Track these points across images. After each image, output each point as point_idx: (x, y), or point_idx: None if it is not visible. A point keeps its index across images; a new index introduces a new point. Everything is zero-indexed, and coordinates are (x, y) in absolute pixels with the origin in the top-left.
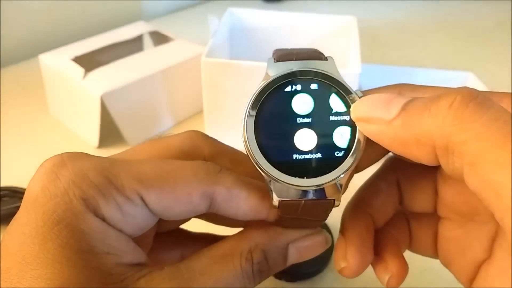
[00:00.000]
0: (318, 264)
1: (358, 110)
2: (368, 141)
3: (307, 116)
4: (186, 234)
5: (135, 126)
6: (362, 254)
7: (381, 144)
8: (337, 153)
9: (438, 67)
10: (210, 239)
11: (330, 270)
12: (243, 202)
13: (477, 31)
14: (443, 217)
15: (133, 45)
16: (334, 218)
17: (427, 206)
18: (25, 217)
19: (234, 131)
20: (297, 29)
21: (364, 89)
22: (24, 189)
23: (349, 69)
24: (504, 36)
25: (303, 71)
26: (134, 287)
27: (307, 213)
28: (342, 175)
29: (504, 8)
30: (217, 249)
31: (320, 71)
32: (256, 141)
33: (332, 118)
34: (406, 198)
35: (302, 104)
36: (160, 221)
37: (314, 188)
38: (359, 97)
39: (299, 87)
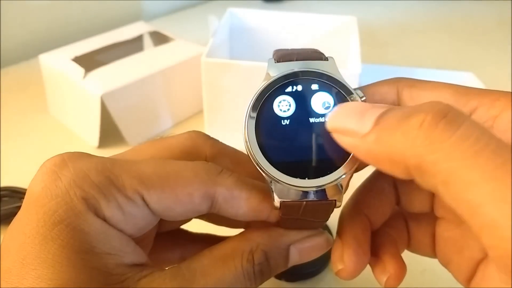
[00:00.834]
0: (318, 264)
1: (332, 120)
2: None
3: (306, 116)
4: (186, 235)
5: (135, 126)
6: (359, 256)
7: (356, 156)
8: (338, 154)
9: (438, 67)
10: (210, 240)
11: (330, 270)
12: (244, 203)
13: (477, 31)
14: (441, 217)
15: (133, 45)
16: (336, 218)
17: (424, 206)
18: (26, 217)
19: (234, 131)
20: (297, 29)
21: (361, 86)
22: (24, 189)
23: (349, 69)
24: (504, 36)
25: (304, 72)
26: (135, 287)
27: (308, 214)
28: (343, 176)
29: (504, 8)
30: (218, 249)
31: (321, 71)
32: (257, 142)
33: None
34: (403, 199)
35: (304, 105)
36: (161, 222)
37: (315, 189)
38: (360, 97)
39: (300, 87)
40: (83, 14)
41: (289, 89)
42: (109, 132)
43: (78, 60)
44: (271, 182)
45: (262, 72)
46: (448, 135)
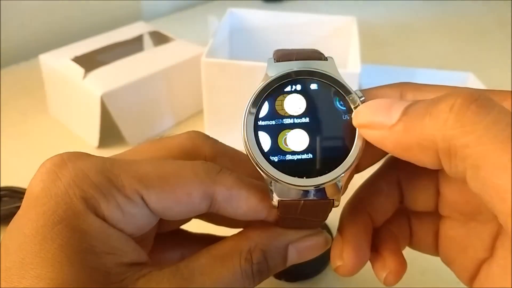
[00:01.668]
0: (318, 264)
1: (359, 116)
2: (367, 142)
3: (306, 116)
4: (186, 235)
5: (135, 126)
6: (358, 253)
7: (384, 149)
8: (337, 153)
9: (438, 67)
10: (211, 240)
11: (330, 270)
12: (243, 202)
13: (477, 31)
14: (445, 216)
15: (133, 45)
16: (336, 217)
17: (429, 205)
18: (26, 217)
19: (234, 131)
20: (297, 29)
21: (364, 89)
22: (24, 189)
23: (349, 69)
24: (504, 36)
25: (303, 71)
26: (134, 287)
27: (306, 213)
28: (341, 175)
29: (504, 8)
30: (217, 249)
31: (320, 71)
32: (256, 141)
33: (331, 118)
34: (407, 197)
35: (302, 104)
36: (161, 221)
37: (313, 188)
38: (359, 97)
39: (299, 87)
40: (83, 14)
41: (288, 88)
42: (109, 132)
43: (78, 60)
44: (269, 181)
45: (262, 72)
46: (480, 118)
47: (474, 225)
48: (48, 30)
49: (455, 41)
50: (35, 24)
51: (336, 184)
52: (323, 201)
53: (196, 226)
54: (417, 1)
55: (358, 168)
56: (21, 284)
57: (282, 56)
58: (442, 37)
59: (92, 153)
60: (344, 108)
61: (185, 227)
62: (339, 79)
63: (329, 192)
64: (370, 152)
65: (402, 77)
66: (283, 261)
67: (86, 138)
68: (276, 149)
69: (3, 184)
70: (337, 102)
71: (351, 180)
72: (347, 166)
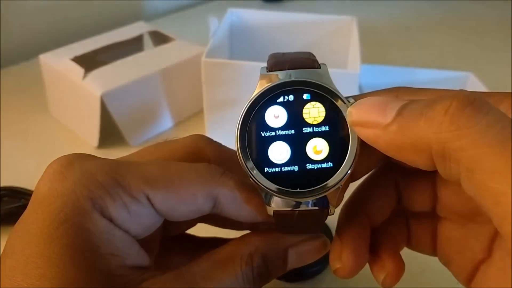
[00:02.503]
0: (319, 264)
1: (354, 114)
2: (362, 150)
3: (299, 127)
4: (194, 239)
5: (135, 126)
6: (357, 255)
7: (377, 148)
8: (330, 164)
9: (438, 67)
10: (217, 243)
11: (331, 271)
12: (245, 204)
13: (477, 31)
14: (443, 217)
15: (133, 45)
16: (336, 218)
17: (426, 206)
18: (32, 216)
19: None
20: (297, 29)
21: (364, 89)
22: (24, 189)
23: (349, 69)
24: (504, 36)
25: (295, 81)
26: None
27: (301, 223)
28: (335, 186)
29: (504, 8)
30: (218, 253)
31: (312, 81)
32: (249, 153)
33: (325, 128)
34: (404, 198)
35: (295, 115)
36: (167, 225)
37: (306, 199)
38: (351, 104)
39: (291, 97)
40: (83, 14)
41: (280, 99)
42: (109, 132)
43: (78, 60)
44: (264, 192)
45: None
46: (475, 122)
47: (472, 226)
48: (48, 30)
49: (455, 41)
50: (35, 24)
51: (330, 194)
52: (317, 210)
53: (204, 230)
54: (417, 1)
55: (353, 177)
56: (25, 283)
57: (274, 64)
58: (442, 37)
59: (92, 153)
60: (337, 119)
61: (192, 232)
62: (331, 89)
63: (324, 202)
64: (364, 161)
65: (402, 77)
66: (283, 264)
67: (86, 138)
68: (268, 160)
69: (3, 184)
70: (330, 113)
71: (346, 189)
72: (340, 177)
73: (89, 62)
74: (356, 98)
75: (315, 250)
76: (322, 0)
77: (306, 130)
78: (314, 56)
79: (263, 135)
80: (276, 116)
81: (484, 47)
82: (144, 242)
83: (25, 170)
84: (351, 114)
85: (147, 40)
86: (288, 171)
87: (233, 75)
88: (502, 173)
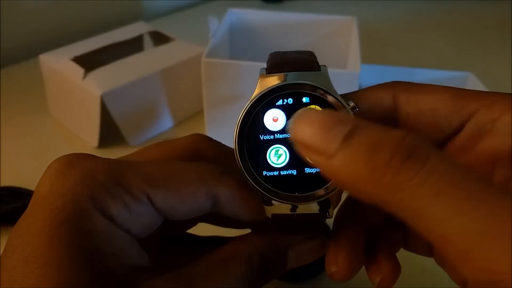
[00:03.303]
0: (319, 264)
1: (295, 131)
2: None
3: None
4: (195, 239)
5: (135, 126)
6: (353, 258)
7: (323, 173)
8: None
9: (438, 67)
10: (219, 242)
11: None
12: (244, 203)
13: (477, 31)
14: None
15: (133, 45)
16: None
17: None
18: (32, 216)
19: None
20: (297, 29)
21: (357, 90)
22: (25, 189)
23: (349, 69)
24: (504, 36)
25: (294, 84)
26: None
27: (299, 226)
28: (333, 191)
29: (504, 8)
30: (218, 253)
31: (311, 84)
32: (247, 156)
33: None
34: None
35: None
36: (167, 225)
37: (304, 204)
38: (351, 109)
39: (290, 100)
40: (83, 14)
41: (279, 102)
42: (109, 132)
43: (78, 60)
44: (261, 195)
45: None
46: (412, 174)
47: None
48: (48, 30)
49: (455, 41)
50: (35, 24)
51: (328, 198)
52: (315, 214)
53: (205, 230)
54: (417, 1)
55: None
56: (25, 283)
57: (274, 66)
58: (442, 37)
59: (92, 153)
60: None
61: (193, 231)
62: (330, 92)
63: (322, 205)
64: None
65: (402, 77)
66: (283, 265)
67: (86, 138)
68: (266, 164)
69: (3, 184)
70: None
71: (343, 192)
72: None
73: (89, 62)
74: (352, 95)
75: (315, 250)
76: (322, 0)
77: None
78: (315, 57)
79: (261, 138)
80: (274, 119)
81: (484, 47)
82: (144, 242)
83: (25, 170)
84: (293, 129)
85: (147, 40)
86: (286, 175)
87: (233, 75)
88: (445, 219)
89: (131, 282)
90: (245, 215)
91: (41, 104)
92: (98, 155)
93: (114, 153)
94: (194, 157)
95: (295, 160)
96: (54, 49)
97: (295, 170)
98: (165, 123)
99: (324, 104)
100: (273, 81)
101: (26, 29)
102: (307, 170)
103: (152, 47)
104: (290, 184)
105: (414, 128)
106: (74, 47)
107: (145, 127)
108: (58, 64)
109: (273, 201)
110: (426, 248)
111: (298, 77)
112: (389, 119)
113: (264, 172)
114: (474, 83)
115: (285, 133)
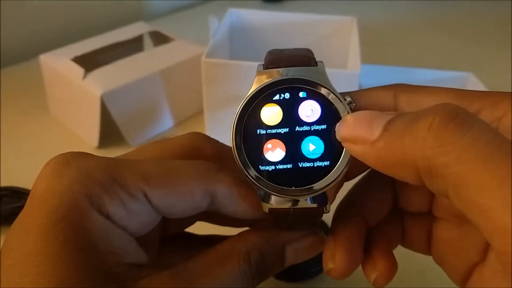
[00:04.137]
0: (319, 264)
1: (342, 130)
2: None
3: (295, 125)
4: (193, 238)
5: (135, 126)
6: (351, 255)
7: (367, 164)
8: (326, 162)
9: (438, 67)
10: (217, 240)
11: None
12: (242, 201)
13: (477, 31)
14: (439, 218)
15: (133, 45)
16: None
17: (422, 207)
18: (29, 215)
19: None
20: (297, 29)
21: (357, 90)
22: (24, 189)
23: (349, 69)
24: (504, 36)
25: (291, 79)
26: (134, 287)
27: (298, 220)
28: (330, 184)
29: (504, 8)
30: (216, 250)
31: (308, 79)
32: (245, 151)
33: (321, 127)
34: (401, 198)
35: (291, 113)
36: (165, 224)
37: (301, 197)
38: (348, 104)
39: (287, 95)
40: (83, 14)
41: (276, 97)
42: (109, 132)
43: (78, 60)
44: (259, 189)
45: None
46: (458, 137)
47: (468, 228)
48: (48, 30)
49: (455, 41)
50: (35, 24)
51: (324, 192)
52: (313, 208)
53: (203, 228)
54: (417, 1)
55: (348, 175)
56: (23, 281)
57: (271, 62)
58: (442, 37)
59: (92, 153)
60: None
61: (191, 230)
62: (327, 86)
63: (319, 200)
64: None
65: (402, 77)
66: (281, 261)
67: (86, 138)
68: (264, 158)
69: (3, 184)
70: (325, 111)
71: (341, 188)
72: (336, 176)
73: (89, 62)
74: (352, 95)
75: (312, 247)
76: (322, 0)
77: (302, 128)
78: (312, 53)
79: (258, 133)
80: (272, 114)
81: (484, 47)
82: (142, 240)
83: (25, 170)
84: (339, 130)
85: (147, 40)
86: (283, 169)
87: (233, 75)
88: (489, 188)
89: (128, 280)
90: (243, 212)
91: (41, 104)
92: (101, 155)
93: (114, 153)
94: (191, 155)
95: (292, 155)
96: (54, 49)
97: (291, 164)
98: (165, 123)
99: (321, 98)
100: (270, 76)
101: (26, 29)
102: (304, 164)
103: (152, 47)
104: (287, 178)
105: None
106: (74, 47)
107: (145, 127)
108: (58, 64)
109: (272, 196)
110: (423, 245)
111: (294, 72)
112: None
113: (261, 167)
114: (474, 83)
115: (282, 128)
